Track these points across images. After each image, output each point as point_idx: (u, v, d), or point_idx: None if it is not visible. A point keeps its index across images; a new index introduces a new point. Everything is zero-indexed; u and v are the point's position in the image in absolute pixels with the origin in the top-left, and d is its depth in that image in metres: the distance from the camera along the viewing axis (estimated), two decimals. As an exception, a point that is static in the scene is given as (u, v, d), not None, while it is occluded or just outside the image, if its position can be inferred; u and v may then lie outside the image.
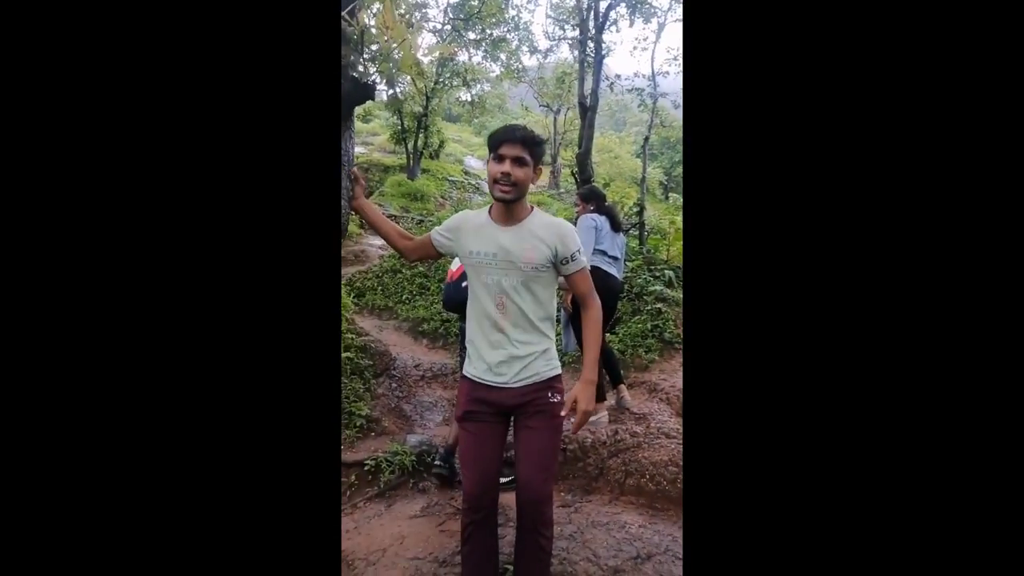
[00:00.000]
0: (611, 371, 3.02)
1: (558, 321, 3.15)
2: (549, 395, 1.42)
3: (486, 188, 2.21)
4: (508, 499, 1.67)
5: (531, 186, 1.42)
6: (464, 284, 2.08)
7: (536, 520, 1.39)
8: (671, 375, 3.61)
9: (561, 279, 1.48)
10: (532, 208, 1.46)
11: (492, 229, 1.42)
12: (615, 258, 2.90)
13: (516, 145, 1.35)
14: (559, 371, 1.47)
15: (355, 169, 1.69)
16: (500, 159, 1.36)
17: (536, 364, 1.43)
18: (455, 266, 2.28)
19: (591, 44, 6.30)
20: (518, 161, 1.35)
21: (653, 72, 7.56)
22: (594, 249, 2.79)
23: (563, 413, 1.39)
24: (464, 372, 1.50)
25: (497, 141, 1.37)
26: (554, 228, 1.41)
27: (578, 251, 1.41)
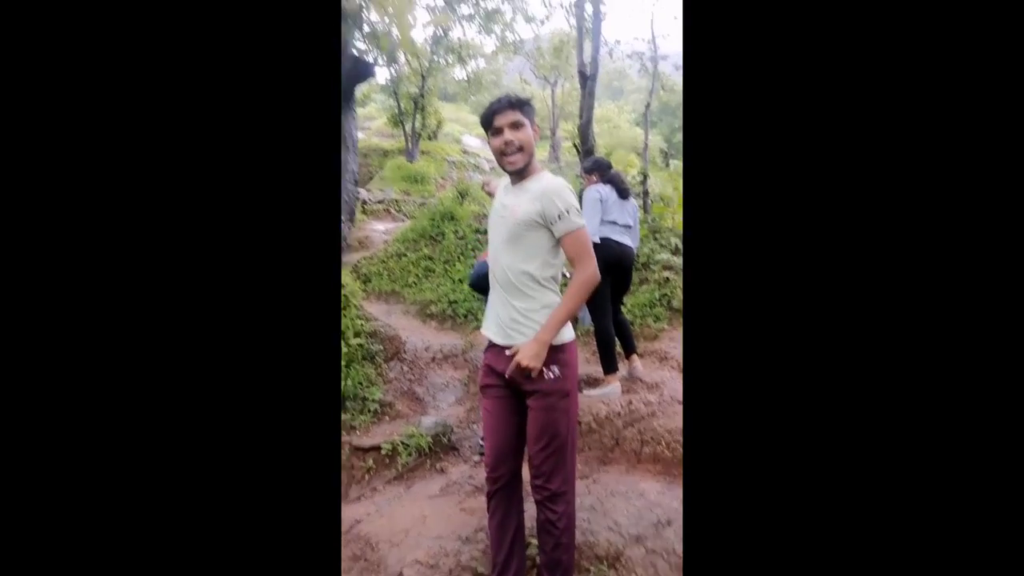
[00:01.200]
0: (625, 342, 2.99)
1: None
2: (545, 373, 1.38)
3: (486, 166, 2.20)
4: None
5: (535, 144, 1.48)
6: None
7: (541, 493, 1.43)
8: (681, 343, 3.60)
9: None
10: (540, 170, 1.49)
11: (506, 190, 1.52)
12: (627, 226, 2.81)
13: (506, 112, 1.40)
14: (559, 342, 1.40)
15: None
16: (498, 132, 1.41)
17: (523, 327, 1.41)
18: None
19: (588, 6, 6.12)
20: (515, 126, 1.40)
21: (653, 34, 7.39)
22: (602, 220, 2.72)
23: (509, 352, 1.39)
24: (483, 329, 1.57)
25: (488, 116, 1.43)
26: (545, 185, 1.42)
27: (567, 211, 1.37)
